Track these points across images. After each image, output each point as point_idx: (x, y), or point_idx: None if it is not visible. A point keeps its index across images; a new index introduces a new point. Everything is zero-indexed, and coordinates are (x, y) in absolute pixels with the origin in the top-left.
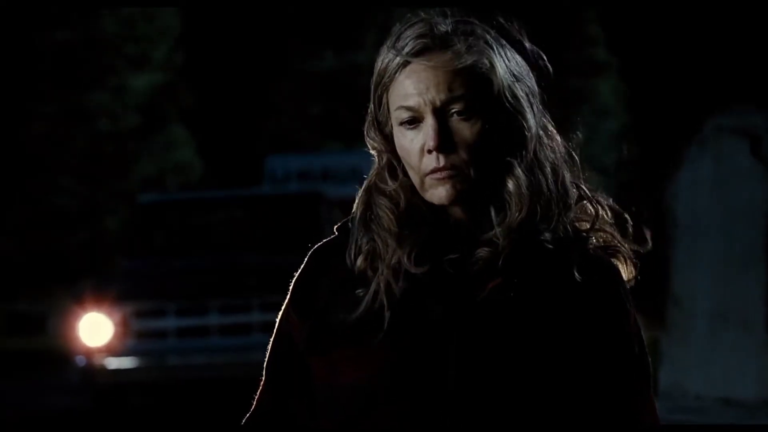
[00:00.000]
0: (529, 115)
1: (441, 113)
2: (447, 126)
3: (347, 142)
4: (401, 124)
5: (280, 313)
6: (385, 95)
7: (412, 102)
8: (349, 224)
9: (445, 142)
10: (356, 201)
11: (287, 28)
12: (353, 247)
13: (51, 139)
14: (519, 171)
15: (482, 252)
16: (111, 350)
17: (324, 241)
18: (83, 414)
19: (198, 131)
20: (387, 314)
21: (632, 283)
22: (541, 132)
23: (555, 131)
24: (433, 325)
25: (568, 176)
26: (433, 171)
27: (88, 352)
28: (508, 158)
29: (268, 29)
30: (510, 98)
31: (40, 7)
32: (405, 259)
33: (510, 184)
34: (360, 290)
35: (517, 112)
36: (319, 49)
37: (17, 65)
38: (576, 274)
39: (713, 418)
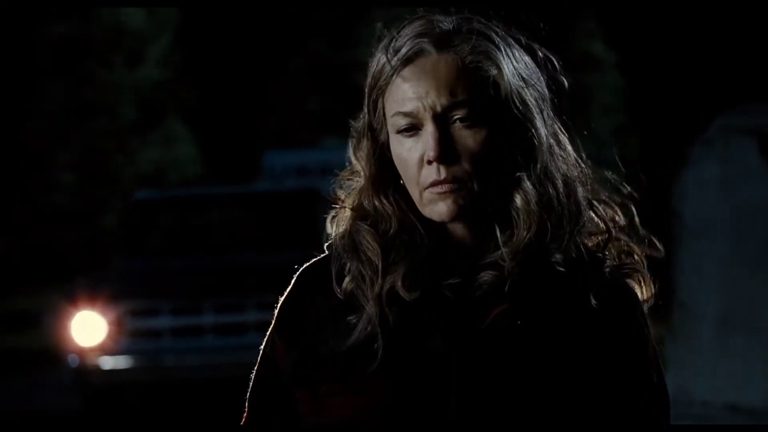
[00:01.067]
0: (539, 123)
1: (442, 120)
2: (449, 134)
3: (346, 138)
4: (398, 131)
5: (265, 339)
6: (380, 100)
7: (410, 107)
8: (333, 245)
9: (446, 151)
10: (333, 219)
11: (286, 24)
12: (339, 270)
13: (49, 135)
14: (528, 184)
15: (486, 275)
16: (105, 350)
17: (313, 260)
18: (76, 414)
19: (197, 127)
20: (380, 345)
21: (650, 303)
22: (551, 141)
23: (567, 141)
24: (431, 358)
25: (580, 190)
26: (434, 184)
27: (81, 352)
28: (516, 170)
29: (267, 25)
30: (518, 104)
31: (39, 4)
32: (398, 285)
33: (518, 199)
34: (351, 317)
35: (526, 120)
36: (317, 45)
37: (15, 62)
38: (589, 299)
39: (720, 425)
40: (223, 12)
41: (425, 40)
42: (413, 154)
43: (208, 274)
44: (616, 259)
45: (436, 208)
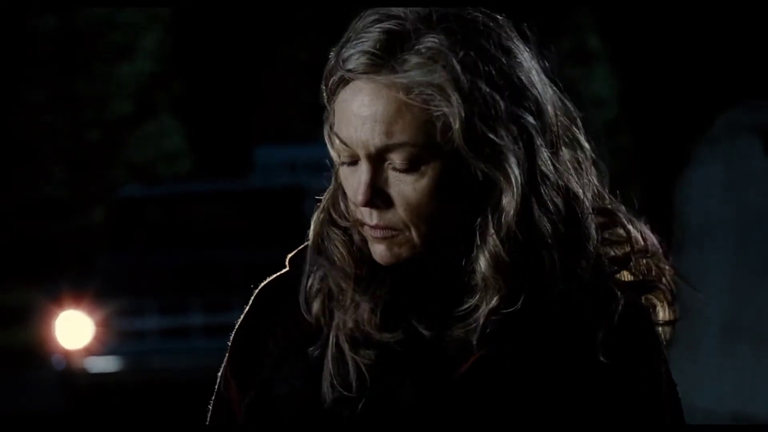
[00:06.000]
0: (513, 162)
1: (377, 160)
2: (382, 177)
3: None
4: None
5: (220, 371)
6: (332, 104)
7: (345, 135)
8: (296, 259)
9: (377, 197)
10: (311, 226)
11: (278, 17)
12: (305, 289)
13: (39, 126)
14: (492, 242)
15: (457, 332)
16: (91, 351)
17: (273, 276)
18: (61, 418)
19: (188, 120)
20: (346, 392)
21: (671, 328)
22: (543, 172)
23: (585, 156)
24: (401, 408)
25: (586, 207)
26: (367, 225)
27: (67, 353)
28: (478, 224)
29: (259, 18)
30: (478, 149)
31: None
32: (365, 323)
33: (482, 262)
34: (314, 349)
35: (491, 164)
36: (310, 37)
37: (7, 52)
38: (590, 330)
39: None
40: (214, 4)
41: (366, 60)
42: (351, 183)
43: (194, 272)
44: (639, 273)
45: (373, 248)
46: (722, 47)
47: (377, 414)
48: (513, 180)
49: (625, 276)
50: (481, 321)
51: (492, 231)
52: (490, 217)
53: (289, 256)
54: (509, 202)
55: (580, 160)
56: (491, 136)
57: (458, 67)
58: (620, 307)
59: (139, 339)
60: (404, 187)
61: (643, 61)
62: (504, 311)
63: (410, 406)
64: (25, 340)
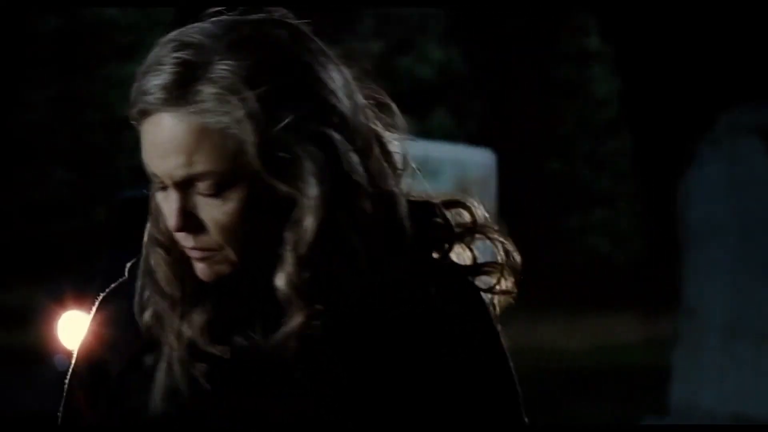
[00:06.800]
0: (312, 180)
1: (184, 187)
2: (192, 203)
3: None
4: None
5: (67, 379)
6: (139, 132)
7: (152, 166)
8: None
9: (189, 222)
10: (144, 237)
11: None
12: (137, 304)
13: (39, 126)
14: (290, 261)
15: (278, 344)
16: None
17: (114, 285)
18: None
19: None
20: (181, 401)
21: (513, 295)
22: (349, 186)
23: (385, 155)
24: (232, 420)
25: (402, 204)
26: (185, 246)
27: (69, 353)
28: (279, 243)
29: None
30: (278, 167)
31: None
32: (196, 337)
33: (279, 281)
34: (152, 361)
35: (289, 182)
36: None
37: (7, 52)
38: (417, 327)
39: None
40: (214, 4)
41: (162, 94)
42: (165, 208)
43: None
44: (468, 260)
45: (195, 266)
46: (723, 48)
47: (209, 426)
48: (312, 197)
49: (462, 255)
50: (296, 334)
51: (289, 249)
52: (289, 235)
53: (129, 264)
54: (309, 219)
55: (394, 156)
56: (289, 156)
57: (251, 94)
58: (441, 295)
59: None
60: (213, 210)
61: (643, 61)
62: (316, 322)
63: (240, 417)
64: (26, 341)
